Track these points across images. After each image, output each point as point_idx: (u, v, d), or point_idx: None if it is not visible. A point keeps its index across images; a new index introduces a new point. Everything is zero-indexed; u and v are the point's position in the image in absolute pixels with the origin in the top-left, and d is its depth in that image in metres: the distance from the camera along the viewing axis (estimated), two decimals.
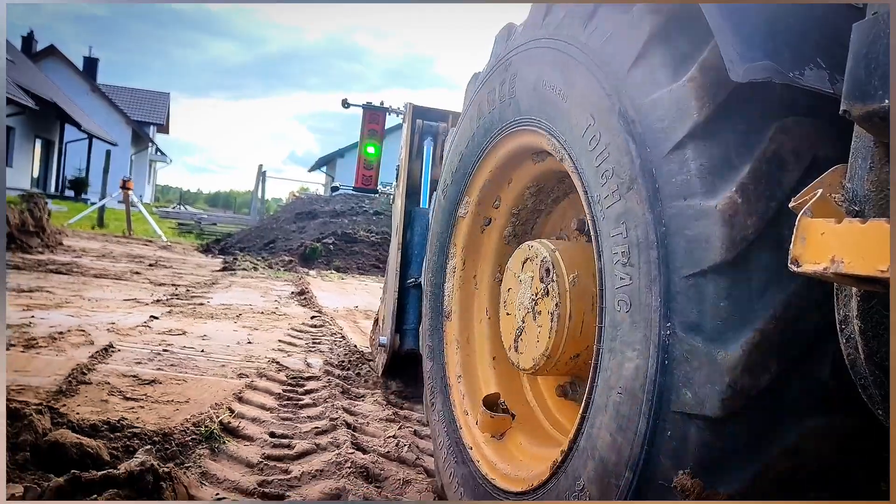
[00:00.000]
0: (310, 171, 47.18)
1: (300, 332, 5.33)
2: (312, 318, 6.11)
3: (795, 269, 0.99)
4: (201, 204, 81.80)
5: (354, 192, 4.46)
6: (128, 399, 3.09)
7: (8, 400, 2.42)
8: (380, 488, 2.44)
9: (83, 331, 4.32)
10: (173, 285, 7.55)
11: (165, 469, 2.06)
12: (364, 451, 2.75)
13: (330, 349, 4.73)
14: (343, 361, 4.32)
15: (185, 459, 2.44)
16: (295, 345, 4.78)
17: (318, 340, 5.02)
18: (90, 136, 33.35)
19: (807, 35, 1.17)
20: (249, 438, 2.80)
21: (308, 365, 4.17)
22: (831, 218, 0.97)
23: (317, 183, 44.02)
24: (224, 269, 10.35)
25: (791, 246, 0.99)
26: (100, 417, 2.63)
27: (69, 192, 32.73)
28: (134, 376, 3.44)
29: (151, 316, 5.20)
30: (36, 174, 32.22)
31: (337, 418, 3.11)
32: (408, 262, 3.62)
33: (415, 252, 3.61)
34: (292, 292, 8.01)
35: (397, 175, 3.86)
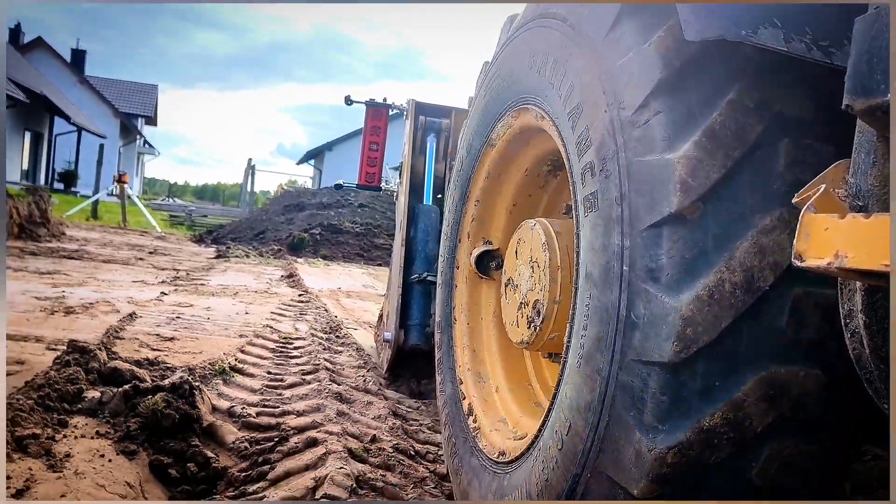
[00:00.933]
0: (298, 163, 47.78)
1: (289, 306, 6.21)
2: (300, 296, 7.00)
3: (799, 264, 0.99)
4: (189, 196, 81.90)
5: (358, 189, 4.42)
6: (154, 350, 3.95)
7: (74, 340, 3.29)
8: (349, 405, 3.33)
9: (108, 302, 5.18)
10: (174, 269, 8.38)
11: (196, 383, 2.94)
12: (338, 384, 3.65)
13: (315, 319, 5.62)
14: (325, 328, 5.21)
15: (206, 384, 3.31)
16: (285, 315, 5.66)
17: (304, 313, 5.91)
18: (79, 129, 33.70)
19: None
20: (252, 375, 3.68)
21: (296, 329, 5.06)
22: (835, 213, 0.96)
23: (305, 176, 44.61)
24: (218, 256, 11.17)
25: (795, 241, 1.00)
26: (139, 357, 3.50)
27: (58, 185, 33.15)
28: (157, 335, 4.31)
29: (162, 293, 6.06)
30: (25, 167, 32.59)
31: (319, 364, 4.00)
32: (412, 258, 3.65)
33: (418, 248, 3.64)
34: (282, 276, 8.87)
35: (400, 172, 3.91)
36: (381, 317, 4.17)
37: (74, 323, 4.34)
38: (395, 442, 2.89)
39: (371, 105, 4.19)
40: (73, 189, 32.09)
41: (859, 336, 1.06)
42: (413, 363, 3.72)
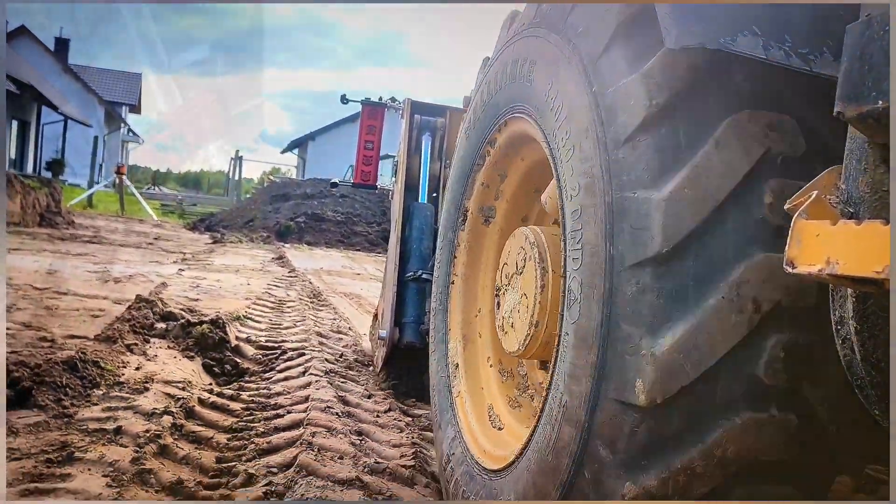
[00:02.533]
0: (282, 152, 48.75)
1: (281, 279, 7.79)
2: (289, 273, 8.58)
3: (791, 270, 0.99)
4: (172, 184, 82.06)
5: (354, 188, 4.47)
6: (187, 305, 5.51)
7: (140, 295, 4.83)
8: (326, 339, 4.93)
9: (143, 275, 6.72)
10: (181, 252, 9.89)
11: (226, 321, 4.52)
12: (319, 328, 5.25)
13: (301, 289, 7.20)
14: (310, 294, 6.80)
15: (229, 324, 4.89)
16: (278, 286, 7.24)
17: (293, 284, 7.49)
18: (66, 118, 34.45)
19: (746, 7, 1.21)
20: (259, 321, 5.27)
21: (288, 295, 6.65)
22: (826, 220, 0.97)
23: (289, 164, 45.71)
24: (215, 242, 12.68)
25: (787, 248, 1.01)
26: (181, 307, 5.07)
27: (46, 174, 33.98)
28: (186, 296, 5.87)
29: (179, 269, 7.60)
30: (13, 156, 33.34)
31: (305, 317, 5.59)
32: (407, 256, 3.68)
33: (413, 246, 3.67)
34: (272, 258, 10.42)
35: (396, 170, 3.96)
36: (375, 316, 4.21)
37: (124, 287, 5.88)
38: (355, 357, 4.51)
39: (367, 104, 4.22)
40: (60, 178, 32.99)
41: (850, 342, 1.07)
42: (409, 360, 3.66)
